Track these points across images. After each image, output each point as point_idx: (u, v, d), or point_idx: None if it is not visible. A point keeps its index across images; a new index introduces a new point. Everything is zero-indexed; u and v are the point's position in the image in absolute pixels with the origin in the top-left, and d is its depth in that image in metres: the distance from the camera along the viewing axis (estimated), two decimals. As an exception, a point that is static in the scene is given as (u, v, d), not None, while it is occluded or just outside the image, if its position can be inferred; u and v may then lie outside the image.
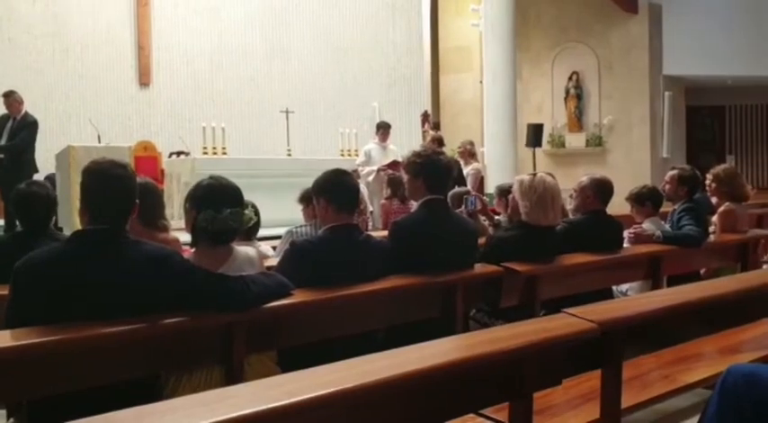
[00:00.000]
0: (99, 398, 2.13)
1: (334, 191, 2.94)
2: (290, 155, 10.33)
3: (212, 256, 2.52)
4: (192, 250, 2.60)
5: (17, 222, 3.31)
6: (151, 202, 3.04)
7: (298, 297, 2.64)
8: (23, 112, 7.61)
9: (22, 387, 2.18)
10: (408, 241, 3.12)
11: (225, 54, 12.34)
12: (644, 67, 14.41)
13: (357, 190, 3.06)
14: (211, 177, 2.64)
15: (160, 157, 11.82)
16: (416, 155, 3.29)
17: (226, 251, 2.57)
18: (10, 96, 7.58)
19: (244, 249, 2.67)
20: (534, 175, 3.56)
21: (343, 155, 10.42)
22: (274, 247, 4.27)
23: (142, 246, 2.29)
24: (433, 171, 3.21)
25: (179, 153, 10.85)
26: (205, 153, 9.42)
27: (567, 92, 15.07)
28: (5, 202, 7.66)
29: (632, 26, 14.41)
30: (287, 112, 10.46)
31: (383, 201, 7.31)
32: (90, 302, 2.20)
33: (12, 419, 2.43)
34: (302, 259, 2.82)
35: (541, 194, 3.44)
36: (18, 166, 7.42)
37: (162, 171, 11.70)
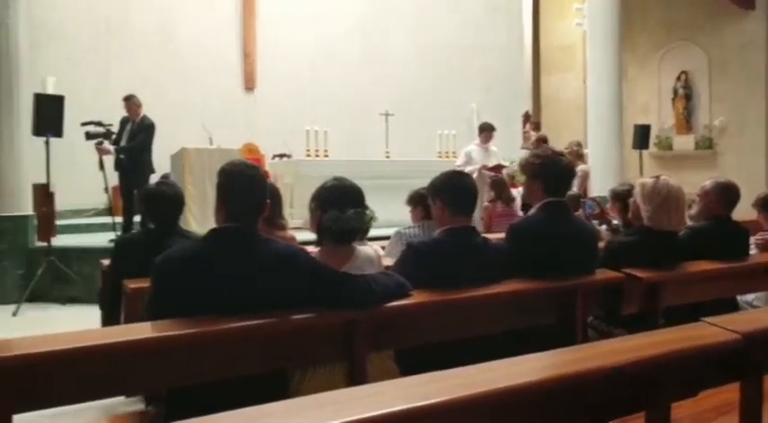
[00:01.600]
0: (232, 389, 2.21)
1: (451, 193, 2.92)
2: (388, 157, 10.42)
3: (336, 254, 2.57)
4: (317, 249, 2.66)
5: (148, 220, 3.47)
6: (273, 201, 3.13)
7: (416, 298, 2.65)
8: (142, 115, 7.99)
9: (159, 377, 2.29)
10: (527, 245, 3.06)
11: (325, 58, 12.60)
12: (760, 67, 13.61)
13: (475, 193, 3.03)
14: (335, 179, 2.69)
15: (264, 159, 12.23)
16: (535, 156, 3.23)
17: (348, 250, 2.61)
18: (129, 100, 7.98)
19: (364, 249, 2.71)
20: (657, 177, 3.42)
21: (440, 156, 10.41)
22: (383, 248, 4.30)
23: (272, 243, 2.36)
24: (552, 173, 3.15)
25: (281, 155, 11.18)
26: (308, 155, 9.64)
27: (675, 92, 14.45)
28: (125, 201, 8.09)
29: (748, 23, 13.65)
30: (386, 114, 10.55)
31: (486, 203, 7.23)
32: (224, 297, 2.28)
33: (150, 407, 2.56)
34: (419, 260, 2.83)
35: (665, 198, 3.31)
36: (137, 167, 7.80)
37: (266, 173, 12.08)
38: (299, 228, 6.92)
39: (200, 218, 7.84)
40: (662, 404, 1.91)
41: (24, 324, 6.58)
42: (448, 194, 2.92)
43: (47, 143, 7.34)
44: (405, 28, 13.02)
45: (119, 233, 7.96)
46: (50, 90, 9.45)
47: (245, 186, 2.37)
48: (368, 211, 2.63)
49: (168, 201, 3.38)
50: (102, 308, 3.48)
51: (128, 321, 3.13)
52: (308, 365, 2.54)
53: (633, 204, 3.51)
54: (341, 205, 2.54)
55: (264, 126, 12.40)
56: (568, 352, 1.89)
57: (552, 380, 1.68)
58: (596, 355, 1.83)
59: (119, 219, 8.24)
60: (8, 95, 7.58)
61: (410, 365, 2.75)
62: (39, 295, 7.28)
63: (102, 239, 8.11)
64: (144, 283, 3.12)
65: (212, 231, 2.38)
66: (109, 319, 3.34)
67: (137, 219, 8.01)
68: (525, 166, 3.25)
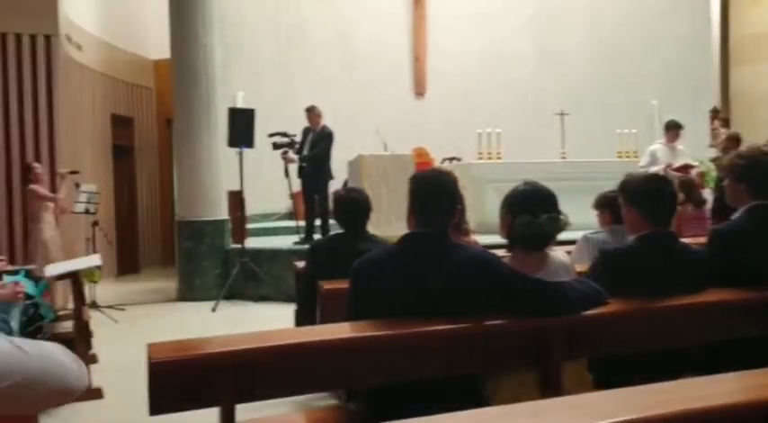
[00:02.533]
0: (430, 390, 2.27)
1: (649, 201, 2.75)
2: (564, 158, 10.13)
3: (528, 261, 2.55)
4: (507, 255, 2.66)
5: (339, 224, 3.64)
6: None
7: (613, 306, 2.56)
8: (322, 124, 8.40)
9: (358, 375, 2.39)
10: (731, 251, 2.85)
11: (496, 58, 12.53)
12: None
13: (676, 201, 2.86)
14: (526, 183, 2.66)
15: (433, 163, 12.36)
16: (739, 156, 3.00)
17: (541, 257, 2.57)
18: (311, 111, 8.42)
19: (558, 255, 2.66)
20: None
21: (620, 156, 9.95)
22: (568, 253, 4.19)
23: (466, 249, 2.39)
24: (760, 174, 2.90)
25: (451, 159, 11.23)
26: (479, 158, 9.62)
27: None
28: (307, 206, 8.54)
29: None
30: (562, 114, 10.27)
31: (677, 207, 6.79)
32: (419, 301, 2.34)
33: (350, 402, 2.69)
34: (614, 267, 2.72)
35: None
36: (318, 174, 8.22)
37: (455, 178, 12.21)
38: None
39: (375, 221, 8.07)
40: None
41: (223, 319, 7.17)
42: (645, 202, 2.76)
43: (240, 154, 7.95)
44: (579, 21, 12.62)
45: (302, 236, 8.42)
46: (240, 104, 10.21)
47: (436, 192, 2.42)
48: (561, 216, 2.58)
49: (358, 207, 3.54)
50: (299, 306, 3.71)
51: (323, 320, 3.31)
52: (500, 372, 2.54)
53: None
54: (533, 210, 2.51)
55: (434, 129, 12.57)
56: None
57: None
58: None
59: (301, 222, 8.69)
60: (206, 111, 8.31)
61: (604, 376, 2.67)
62: (234, 293, 7.90)
63: (288, 242, 8.63)
64: (337, 284, 3.30)
65: (405, 236, 2.45)
66: (305, 317, 3.56)
67: (317, 222, 8.44)
68: (728, 168, 3.02)
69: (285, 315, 6.55)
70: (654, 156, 8.31)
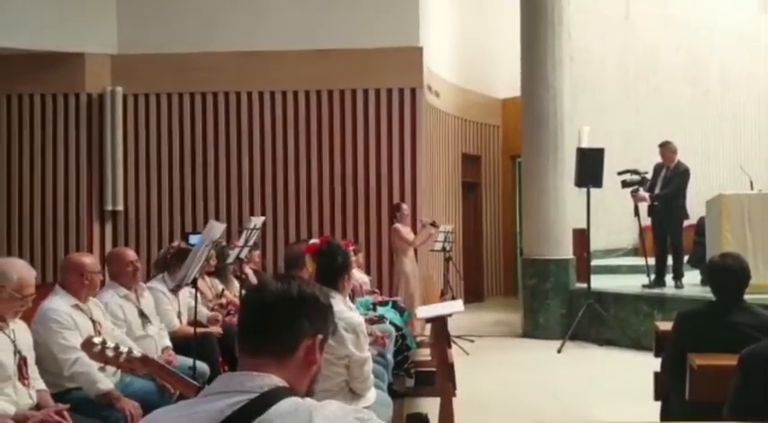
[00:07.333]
0: None
1: None
2: None
3: None
4: None
5: (712, 292, 3.44)
6: None
7: None
8: (676, 161, 7.94)
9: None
10: None
11: None
12: None
13: None
14: None
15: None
16: None
17: None
18: (665, 146, 7.99)
19: None
20: None
21: None
22: None
23: None
24: None
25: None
26: None
27: None
28: (658, 247, 8.09)
29: None
30: None
31: None
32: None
33: None
34: None
35: None
36: (671, 213, 7.78)
37: None
38: None
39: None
40: None
41: (568, 362, 7.17)
42: None
43: (588, 193, 7.91)
44: None
45: (652, 278, 8.03)
46: (585, 139, 10.11)
47: None
48: None
49: (732, 274, 3.29)
50: (663, 373, 3.57)
51: (692, 396, 3.14)
52: None
53: None
54: None
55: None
56: None
57: None
58: None
59: (650, 260, 8.26)
60: (553, 150, 8.45)
61: None
62: (578, 334, 7.84)
63: (634, 283, 8.30)
64: (710, 360, 3.11)
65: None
66: (673, 388, 3.41)
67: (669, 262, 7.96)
68: None
69: (632, 364, 6.35)
70: None
